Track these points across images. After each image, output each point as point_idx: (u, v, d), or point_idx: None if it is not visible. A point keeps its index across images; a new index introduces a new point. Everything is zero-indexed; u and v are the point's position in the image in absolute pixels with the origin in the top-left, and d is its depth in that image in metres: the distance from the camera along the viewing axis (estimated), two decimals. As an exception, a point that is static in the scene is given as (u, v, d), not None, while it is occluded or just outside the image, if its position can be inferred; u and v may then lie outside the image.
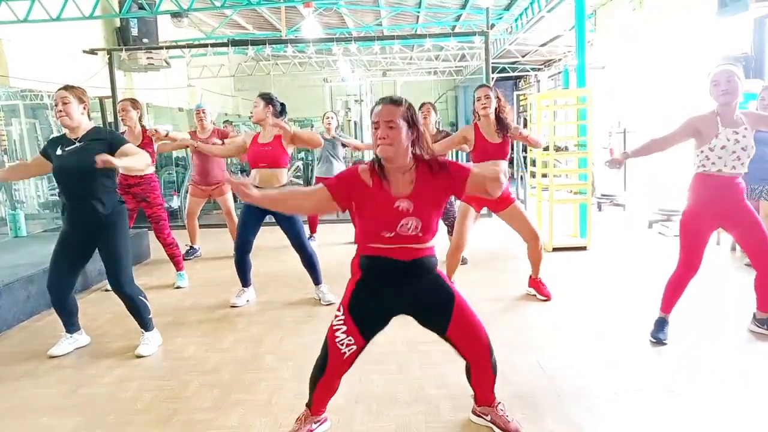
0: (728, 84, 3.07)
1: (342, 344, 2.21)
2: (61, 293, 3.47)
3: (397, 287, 2.22)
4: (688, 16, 7.08)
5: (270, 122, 4.21)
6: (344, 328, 2.22)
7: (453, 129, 18.55)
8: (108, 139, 3.33)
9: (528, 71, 16.43)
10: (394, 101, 2.16)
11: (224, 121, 12.15)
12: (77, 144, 3.29)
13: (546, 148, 6.34)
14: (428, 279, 2.26)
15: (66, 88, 3.34)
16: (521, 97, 17.22)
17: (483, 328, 2.30)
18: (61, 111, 3.25)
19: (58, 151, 3.30)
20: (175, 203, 9.14)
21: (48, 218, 8.67)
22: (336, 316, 2.26)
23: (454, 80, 18.76)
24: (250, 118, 15.00)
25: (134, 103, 4.99)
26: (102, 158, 3.03)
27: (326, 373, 2.29)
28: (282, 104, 4.30)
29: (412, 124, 2.15)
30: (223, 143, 5.54)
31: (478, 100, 4.07)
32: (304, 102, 15.65)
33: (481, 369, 2.35)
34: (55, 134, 8.37)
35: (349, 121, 14.39)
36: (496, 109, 4.06)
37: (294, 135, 4.15)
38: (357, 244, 2.28)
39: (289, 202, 2.43)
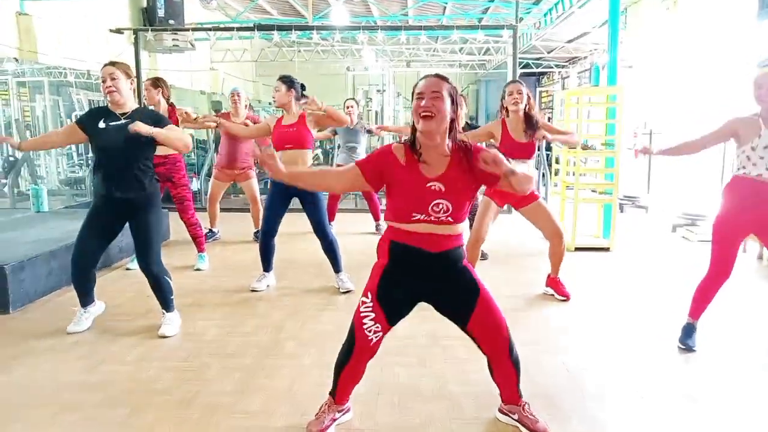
0: None
1: (370, 331, 2.19)
2: (85, 267, 3.45)
3: (425, 277, 2.20)
4: (726, 17, 6.91)
5: (300, 104, 4.17)
6: (372, 315, 2.19)
7: (474, 122, 18.45)
8: (153, 118, 3.31)
9: (552, 68, 16.24)
10: (439, 75, 2.14)
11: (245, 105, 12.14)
12: (124, 120, 3.24)
13: (573, 146, 6.24)
14: (455, 270, 2.23)
15: (113, 63, 3.31)
16: (544, 94, 17.06)
17: (505, 322, 2.26)
18: (110, 87, 3.22)
19: (101, 124, 3.26)
20: (195, 186, 9.15)
21: (68, 194, 8.74)
22: (363, 303, 2.22)
23: (476, 74, 18.61)
24: (270, 104, 15.04)
25: (155, 81, 4.97)
26: (136, 127, 3.06)
27: (352, 359, 2.26)
28: (302, 85, 4.28)
29: (454, 101, 2.12)
30: None
31: (509, 95, 4.02)
32: (326, 90, 15.60)
33: (501, 364, 2.31)
34: (78, 111, 8.44)
35: (369, 111, 14.33)
36: (525, 106, 4.00)
37: (325, 112, 4.11)
38: (387, 223, 2.24)
39: (317, 180, 2.42)
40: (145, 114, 3.33)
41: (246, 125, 5.18)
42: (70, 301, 4.02)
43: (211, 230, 6.20)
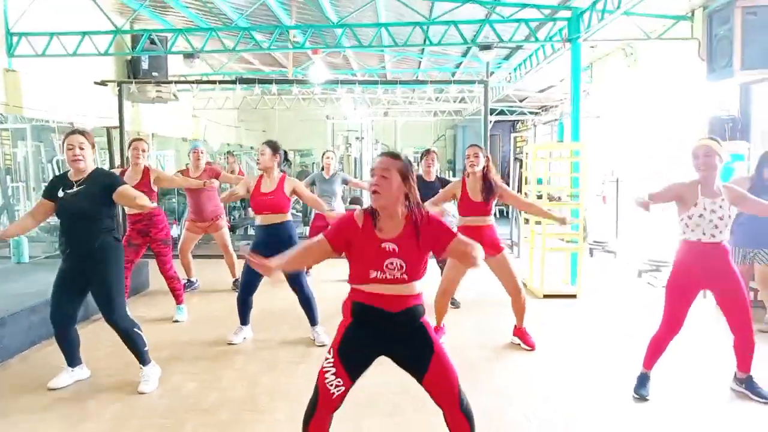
0: (705, 158, 3.26)
1: (331, 385, 2.36)
2: (63, 325, 3.58)
3: (384, 334, 2.39)
4: (680, 77, 7.39)
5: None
6: (333, 370, 2.37)
7: (450, 166, 18.98)
8: (106, 182, 3.49)
9: (526, 114, 16.80)
10: (393, 155, 2.39)
11: (227, 152, 12.36)
12: (78, 188, 3.42)
13: (539, 197, 6.57)
14: (413, 328, 2.41)
15: (82, 133, 3.47)
16: (518, 139, 17.58)
17: (456, 380, 2.42)
18: (78, 156, 3.39)
19: (60, 193, 3.43)
20: (175, 232, 9.24)
21: (48, 242, 8.75)
22: (326, 359, 2.40)
23: (454, 120, 19.13)
24: (252, 148, 15.30)
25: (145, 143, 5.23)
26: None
27: (317, 413, 2.41)
28: (285, 152, 4.52)
29: (405, 178, 2.35)
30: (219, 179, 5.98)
31: (467, 158, 4.37)
32: (307, 135, 16.03)
33: (453, 416, 2.45)
34: (59, 156, 8.54)
35: (349, 156, 14.67)
36: (484, 168, 4.31)
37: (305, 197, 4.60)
38: (350, 285, 2.45)
39: (303, 261, 2.80)
40: (100, 177, 3.51)
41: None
42: (50, 356, 4.11)
43: (189, 280, 6.31)
